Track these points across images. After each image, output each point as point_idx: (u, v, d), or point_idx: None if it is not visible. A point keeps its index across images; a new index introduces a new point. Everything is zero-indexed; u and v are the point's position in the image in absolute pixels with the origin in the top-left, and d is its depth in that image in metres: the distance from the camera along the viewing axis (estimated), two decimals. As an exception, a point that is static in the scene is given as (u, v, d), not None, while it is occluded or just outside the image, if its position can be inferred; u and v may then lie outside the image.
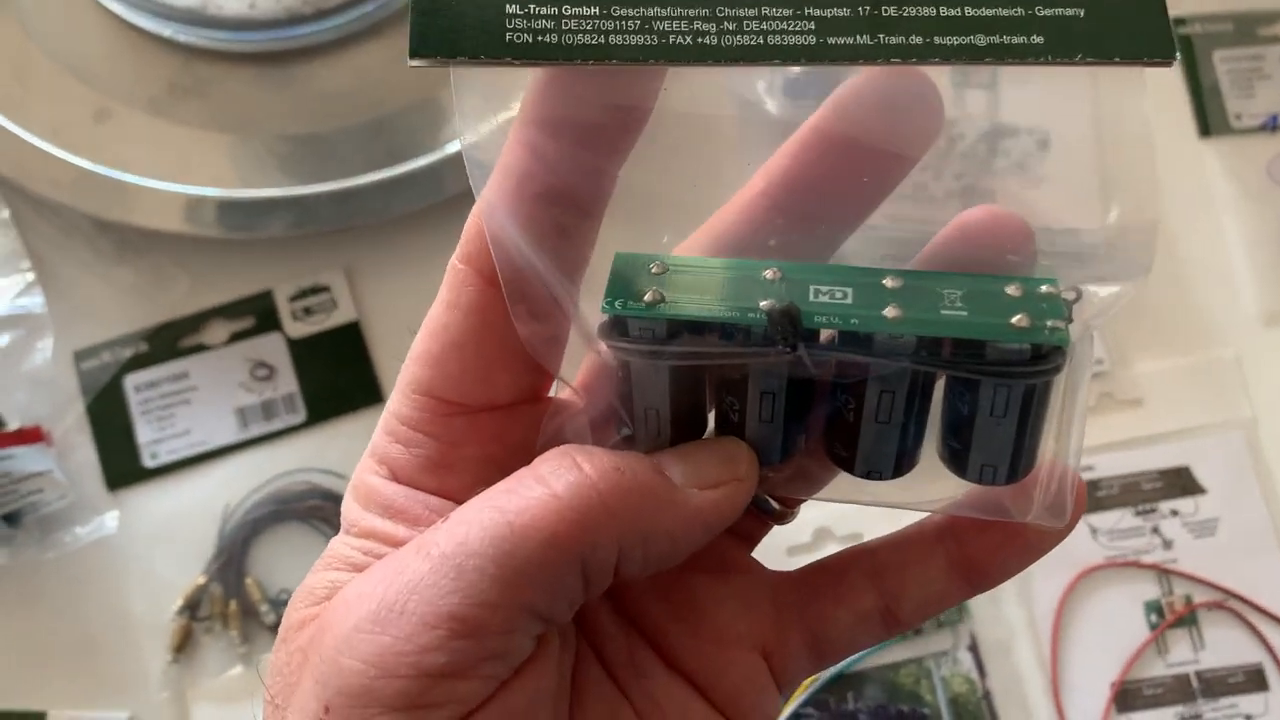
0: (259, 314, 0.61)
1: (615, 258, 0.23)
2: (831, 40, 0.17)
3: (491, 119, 0.21)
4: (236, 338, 0.60)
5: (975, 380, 0.22)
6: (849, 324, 0.22)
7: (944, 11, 0.17)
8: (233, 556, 0.57)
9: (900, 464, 0.25)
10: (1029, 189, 0.63)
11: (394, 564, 0.23)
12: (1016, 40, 0.17)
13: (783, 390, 0.23)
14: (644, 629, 0.27)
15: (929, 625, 0.57)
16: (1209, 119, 0.67)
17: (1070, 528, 0.25)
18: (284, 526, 0.58)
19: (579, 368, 0.26)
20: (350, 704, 0.22)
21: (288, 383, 0.60)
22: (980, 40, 0.17)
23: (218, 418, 0.59)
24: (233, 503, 0.58)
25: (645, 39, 0.18)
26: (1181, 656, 0.58)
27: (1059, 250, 0.63)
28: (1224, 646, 0.58)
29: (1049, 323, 0.22)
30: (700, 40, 0.18)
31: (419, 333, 0.26)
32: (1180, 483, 0.60)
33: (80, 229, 0.61)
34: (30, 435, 0.56)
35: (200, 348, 0.60)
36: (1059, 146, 0.63)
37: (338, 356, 0.60)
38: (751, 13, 0.17)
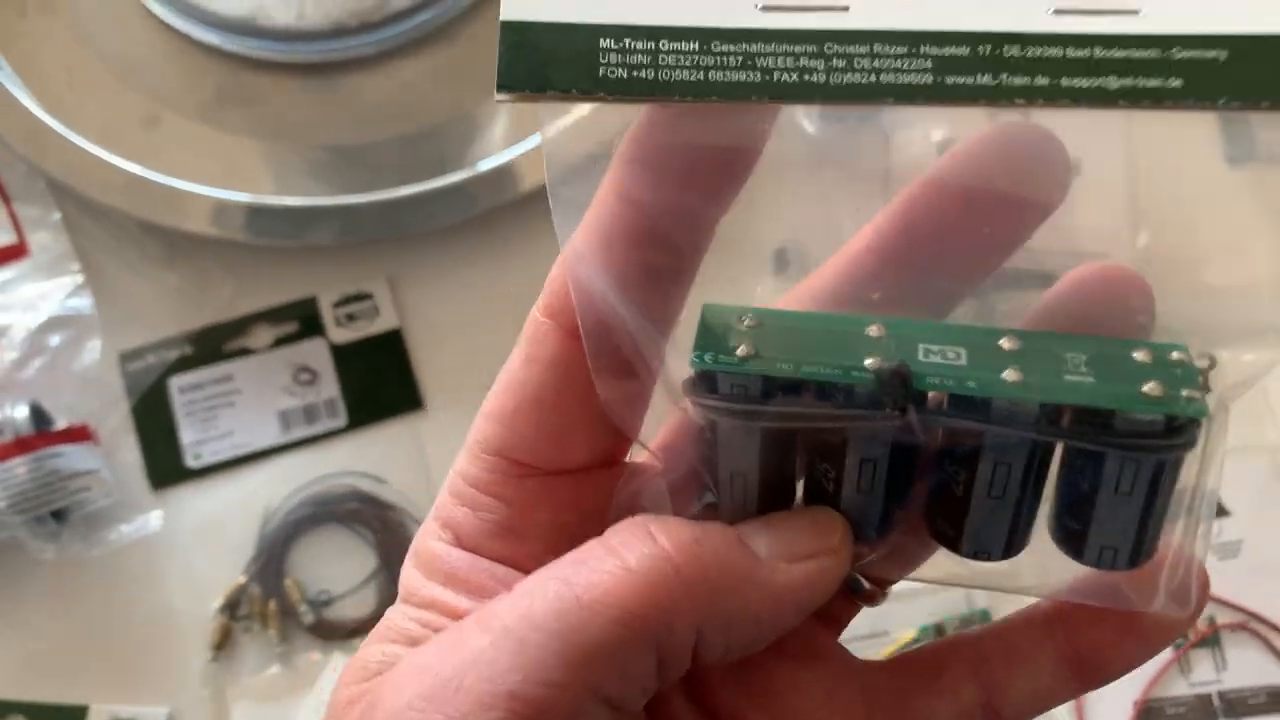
0: (302, 319, 0.60)
1: (704, 309, 0.21)
2: (950, 80, 0.16)
3: (579, 156, 0.20)
4: (280, 342, 0.60)
5: (1101, 454, 0.20)
6: (965, 387, 0.20)
7: (1071, 53, 0.16)
8: (272, 557, 0.56)
9: (1011, 544, 0.22)
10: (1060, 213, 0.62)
11: (453, 637, 0.21)
12: (1152, 83, 0.16)
13: (885, 458, 0.21)
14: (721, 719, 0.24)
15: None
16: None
17: (1194, 619, 0.22)
18: (323, 529, 0.57)
19: (659, 430, 0.24)
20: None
21: (329, 387, 0.59)
22: (1112, 83, 0.16)
23: (260, 420, 0.58)
24: (273, 504, 0.57)
25: (748, 75, 0.17)
26: (1204, 676, 0.57)
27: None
28: (1246, 668, 0.57)
29: (1184, 392, 0.20)
30: (807, 78, 0.17)
31: (493, 388, 0.23)
32: (1205, 504, 0.59)
33: (128, 232, 0.60)
34: (78, 434, 0.55)
35: (244, 351, 0.59)
36: (1089, 171, 0.62)
37: (379, 363, 0.59)
38: (863, 50, 0.16)
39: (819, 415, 0.20)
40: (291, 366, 0.59)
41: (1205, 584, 0.22)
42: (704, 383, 0.21)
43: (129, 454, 0.58)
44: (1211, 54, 0.16)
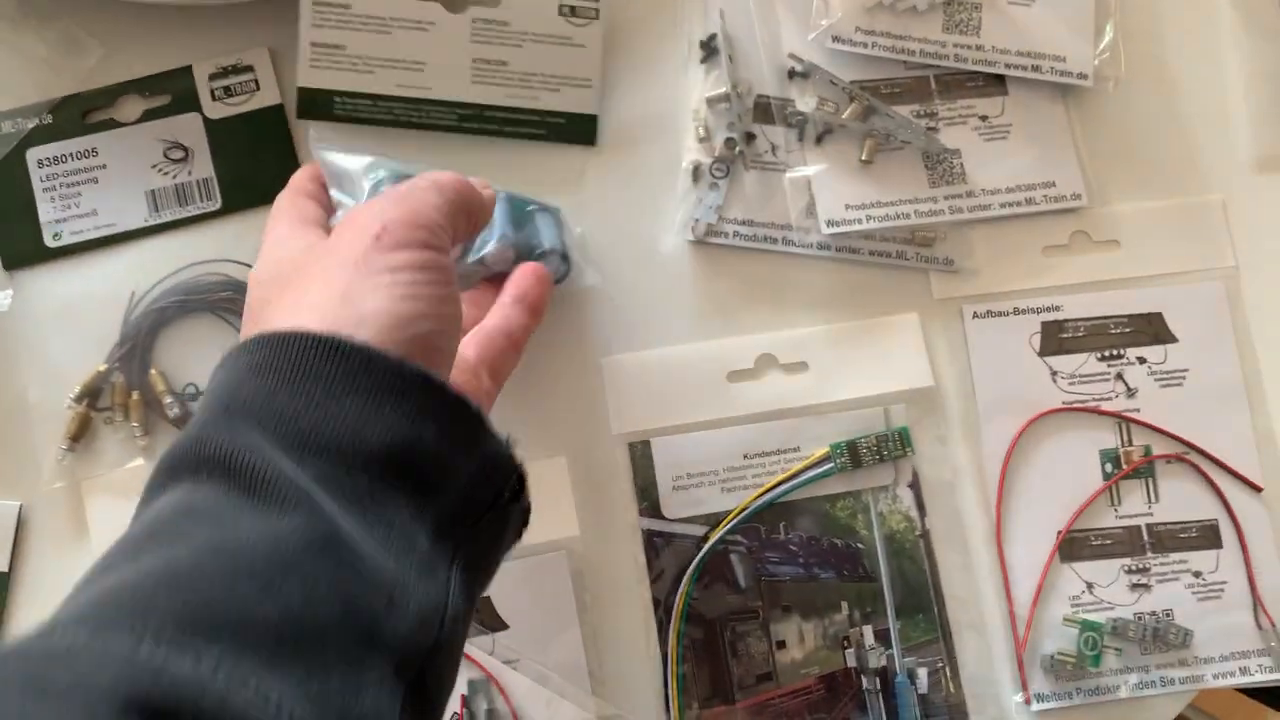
0: (176, 92, 0.53)
1: None
2: None
3: None
4: (150, 115, 0.53)
5: None
6: None
7: None
8: (136, 345, 0.51)
9: None
10: (1018, 7, 0.55)
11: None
12: None
13: None
14: None
15: (869, 459, 0.51)
16: (1222, -58, 0.58)
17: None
18: (193, 318, 0.52)
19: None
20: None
21: (204, 167, 0.53)
22: None
23: (127, 199, 0.52)
24: (139, 290, 0.51)
25: None
26: (1134, 509, 0.53)
27: (1045, 78, 0.55)
28: (1179, 501, 0.53)
29: None
30: None
31: None
32: (1151, 330, 0.54)
33: (-18, -12, 0.53)
34: (-82, 202, 0.49)
35: (111, 124, 0.53)
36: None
37: (258, 142, 0.53)
38: None
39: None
40: (162, 142, 0.53)
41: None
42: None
43: (-17, 227, 0.52)
44: None
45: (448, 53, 0.53)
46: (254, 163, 0.53)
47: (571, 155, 0.54)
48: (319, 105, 0.53)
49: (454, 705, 0.48)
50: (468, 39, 0.53)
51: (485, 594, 0.49)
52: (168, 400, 0.50)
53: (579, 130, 0.54)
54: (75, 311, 0.51)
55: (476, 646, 0.48)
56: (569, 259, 0.50)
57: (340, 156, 0.45)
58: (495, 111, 0.53)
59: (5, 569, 0.50)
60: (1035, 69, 0.55)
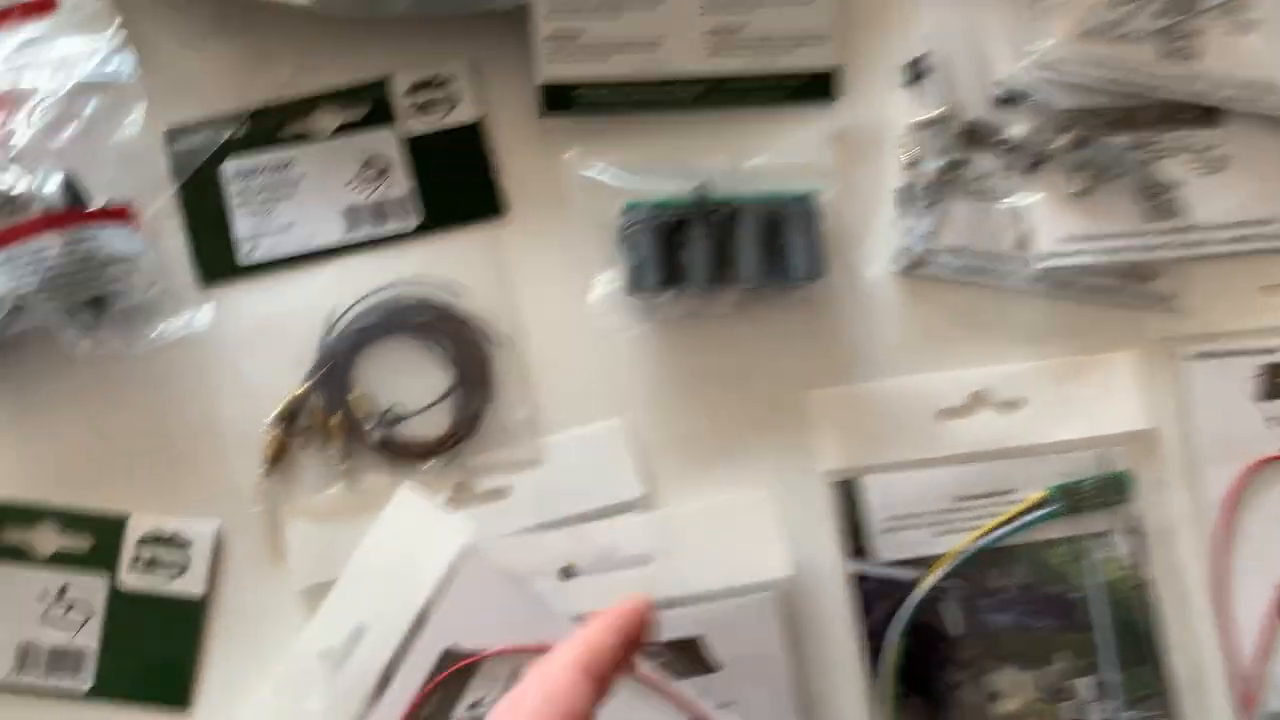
0: (372, 105, 0.51)
1: None
2: None
3: None
4: (346, 129, 0.51)
5: None
6: None
7: None
8: (335, 367, 0.49)
9: None
10: (1239, 35, 0.53)
11: None
12: None
13: None
14: None
15: (1089, 504, 0.49)
16: None
17: None
18: (393, 340, 0.50)
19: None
20: None
21: (401, 184, 0.51)
22: None
23: (323, 215, 0.51)
24: (338, 310, 0.50)
25: None
26: (1353, 561, 0.51)
27: (1267, 111, 0.52)
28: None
29: None
30: None
31: None
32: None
33: (175, -5, 0.51)
34: (117, 214, 0.47)
35: (305, 136, 0.51)
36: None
37: (457, 159, 0.51)
38: None
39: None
40: (359, 157, 0.51)
41: None
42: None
43: (174, 244, 0.50)
44: None
45: (682, 25, 0.51)
46: (453, 180, 0.51)
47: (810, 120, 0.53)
48: (560, 100, 0.51)
49: (666, 752, 0.46)
50: (699, 10, 0.51)
51: (697, 635, 0.47)
52: (369, 426, 0.48)
53: (817, 89, 0.53)
54: (270, 330, 0.50)
55: (693, 688, 0.46)
56: (816, 255, 0.48)
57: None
58: (735, 82, 0.52)
59: (203, 592, 0.48)
60: (1256, 101, 0.53)
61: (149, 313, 0.48)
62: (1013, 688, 0.48)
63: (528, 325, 0.50)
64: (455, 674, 0.47)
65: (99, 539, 0.48)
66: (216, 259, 0.50)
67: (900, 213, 0.52)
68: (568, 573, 0.48)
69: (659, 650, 0.47)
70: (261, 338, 0.50)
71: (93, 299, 0.47)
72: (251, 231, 0.50)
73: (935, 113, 0.53)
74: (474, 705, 0.47)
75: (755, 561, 0.48)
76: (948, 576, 0.49)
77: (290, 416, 0.49)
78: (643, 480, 0.49)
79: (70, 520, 0.48)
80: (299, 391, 0.49)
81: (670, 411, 0.50)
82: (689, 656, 0.47)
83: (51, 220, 0.46)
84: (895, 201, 0.53)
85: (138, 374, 0.49)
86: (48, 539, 0.48)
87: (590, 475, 0.49)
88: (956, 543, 0.49)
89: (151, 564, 0.48)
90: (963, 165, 0.53)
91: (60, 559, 0.48)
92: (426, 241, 0.51)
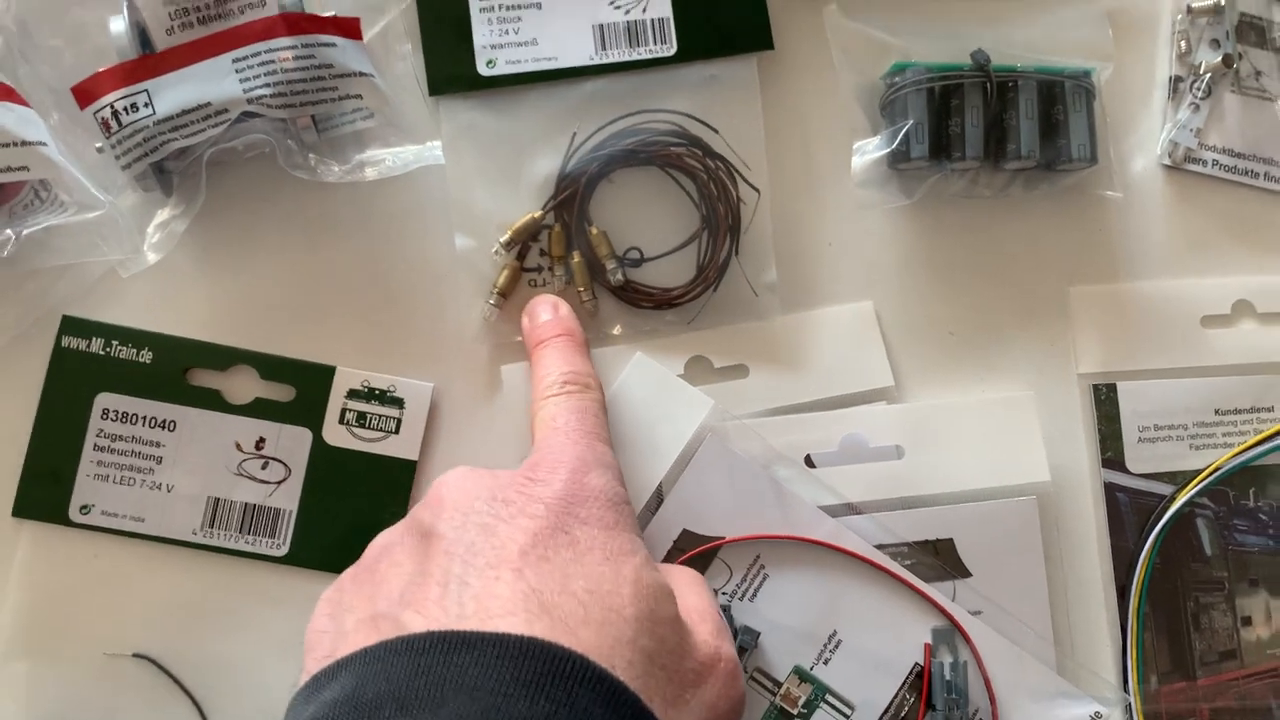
0: (621, -81, 0.45)
1: None
2: None
3: None
4: (595, -57, 0.45)
5: None
6: None
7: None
8: (576, 195, 0.44)
9: None
10: None
11: None
12: None
13: None
14: None
15: (1352, 429, 0.46)
16: None
17: None
18: (638, 172, 0.45)
19: None
20: None
21: (660, 5, 0.45)
22: None
23: (572, 32, 0.45)
24: (581, 133, 0.44)
25: None
26: None
27: None
28: None
29: None
30: None
31: None
32: None
33: None
34: (348, 27, 0.41)
35: (550, -52, 0.45)
36: None
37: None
38: None
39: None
40: (609, -23, 0.45)
41: None
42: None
43: (404, 67, 0.44)
44: None
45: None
46: (716, 6, 0.45)
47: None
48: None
49: (917, 654, 0.43)
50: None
51: (948, 537, 0.44)
52: (610, 265, 0.43)
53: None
54: (506, 152, 0.44)
55: (940, 592, 0.43)
56: (1094, 137, 0.45)
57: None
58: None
59: (415, 456, 0.43)
60: None
61: (376, 137, 0.43)
62: (1264, 613, 0.46)
63: (780, 183, 0.45)
64: (693, 558, 0.43)
65: (302, 390, 0.43)
66: (452, 68, 0.44)
67: (1171, 104, 0.48)
68: (811, 461, 0.44)
69: (907, 550, 0.43)
70: (495, 160, 0.44)
71: (318, 117, 0.41)
72: (492, 42, 0.44)
73: (1212, 1, 0.49)
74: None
75: (1014, 463, 0.45)
76: (1201, 493, 0.46)
77: (524, 242, 0.43)
78: (894, 369, 0.45)
79: (271, 367, 0.43)
80: (536, 214, 0.43)
81: (923, 297, 0.46)
82: (940, 558, 0.44)
83: (288, 22, 0.39)
84: (1167, 92, 0.48)
85: (356, 206, 0.44)
86: (245, 385, 0.43)
87: (838, 359, 0.45)
88: (1213, 458, 0.46)
89: (361, 420, 0.43)
90: (1238, 60, 0.49)
91: (259, 409, 0.43)
92: (681, 71, 0.45)
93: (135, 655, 0.42)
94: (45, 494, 0.42)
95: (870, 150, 0.45)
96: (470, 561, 0.31)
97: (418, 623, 0.29)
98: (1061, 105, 0.45)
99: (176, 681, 0.41)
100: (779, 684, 0.42)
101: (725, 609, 0.42)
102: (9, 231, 0.39)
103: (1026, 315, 0.47)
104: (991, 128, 0.45)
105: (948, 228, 0.47)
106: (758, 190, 0.45)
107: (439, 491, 0.35)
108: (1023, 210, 0.47)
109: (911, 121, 0.44)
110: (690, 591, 0.36)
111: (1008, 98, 0.45)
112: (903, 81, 0.45)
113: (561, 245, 0.44)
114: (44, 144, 0.39)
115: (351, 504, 0.43)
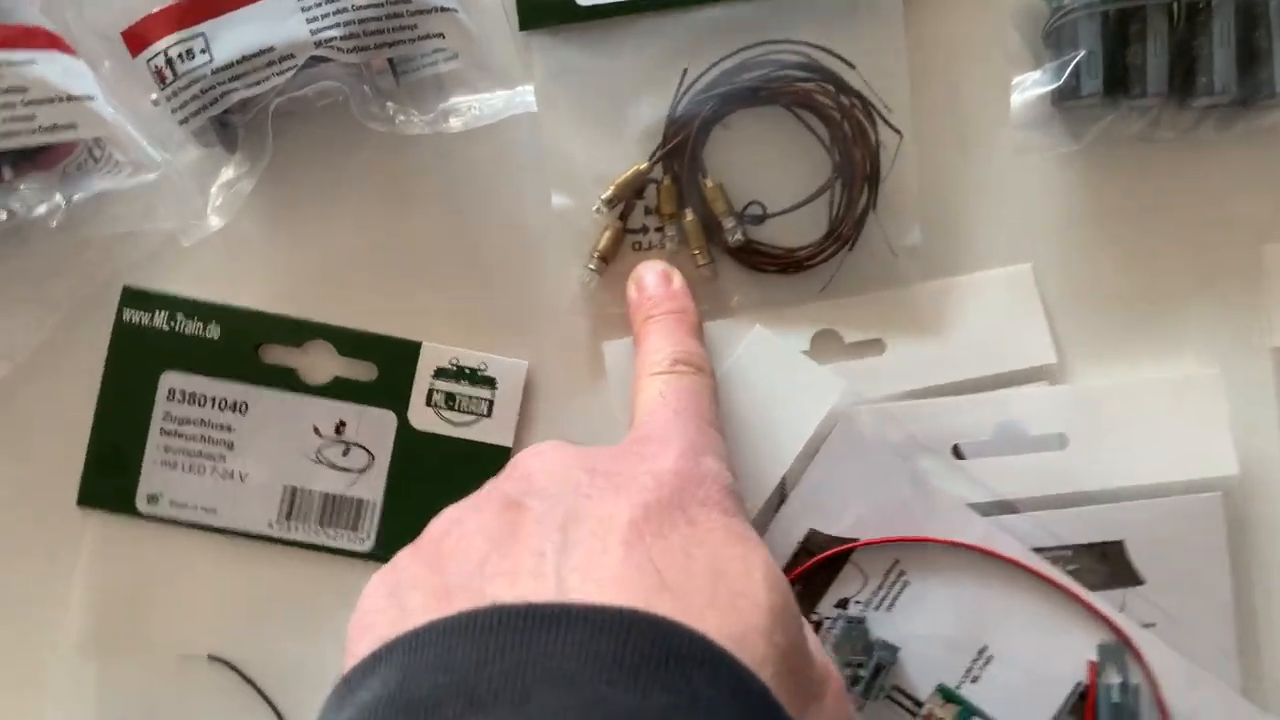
0: None
1: None
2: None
3: None
4: None
5: None
6: None
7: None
8: (686, 142, 0.38)
9: None
10: None
11: None
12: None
13: None
14: None
15: None
16: None
17: None
18: (760, 114, 0.39)
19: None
20: None
21: (784, -77, 0.39)
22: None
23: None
24: (692, 71, 0.38)
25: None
26: None
27: None
28: None
29: None
30: None
31: None
32: None
33: None
34: (427, -48, 0.36)
35: None
36: None
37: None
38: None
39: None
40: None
41: None
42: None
43: (492, 3, 0.38)
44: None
45: None
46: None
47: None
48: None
49: (1079, 673, 0.37)
50: None
51: (1118, 539, 0.38)
52: (728, 223, 0.38)
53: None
54: (604, 97, 0.38)
55: (1107, 602, 0.37)
56: None
57: None
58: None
59: (510, 442, 0.39)
60: None
61: (460, 82, 0.37)
62: None
63: (925, 125, 0.39)
64: (821, 563, 0.38)
65: (385, 368, 0.39)
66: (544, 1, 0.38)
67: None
68: (959, 451, 0.39)
69: (1071, 554, 0.38)
70: (590, 104, 0.38)
71: (396, 61, 0.36)
72: (590, -28, 0.38)
73: None
74: (841, 603, 0.38)
75: (1197, 454, 0.38)
76: None
77: (625, 205, 0.38)
78: (1056, 344, 0.39)
79: (350, 342, 0.39)
80: (642, 166, 0.38)
81: (1091, 259, 0.40)
82: (1108, 564, 0.38)
83: (358, -52, 0.34)
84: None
85: (439, 160, 0.39)
86: (322, 363, 0.39)
87: (991, 332, 0.39)
88: None
89: (450, 402, 0.39)
90: None
91: (337, 389, 0.39)
92: None
93: (211, 658, 0.38)
94: (111, 482, 0.38)
95: (1031, 86, 0.39)
96: (571, 531, 0.25)
97: (506, 594, 0.24)
98: (1265, 29, 0.38)
99: (254, 686, 0.38)
100: (920, 704, 0.37)
101: (859, 621, 0.37)
102: (59, 198, 0.35)
103: (1213, 279, 0.40)
104: (1178, 58, 0.38)
105: (1122, 176, 0.40)
106: (900, 133, 0.38)
107: (525, 463, 0.29)
108: (1212, 156, 0.40)
109: (1082, 52, 0.38)
110: None
111: (1198, 21, 0.38)
112: (1071, 4, 0.38)
113: (671, 201, 0.38)
114: (93, 98, 0.34)
115: (441, 494, 0.38)
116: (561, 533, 0.25)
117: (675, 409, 0.32)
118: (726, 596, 0.24)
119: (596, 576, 0.24)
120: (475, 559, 0.25)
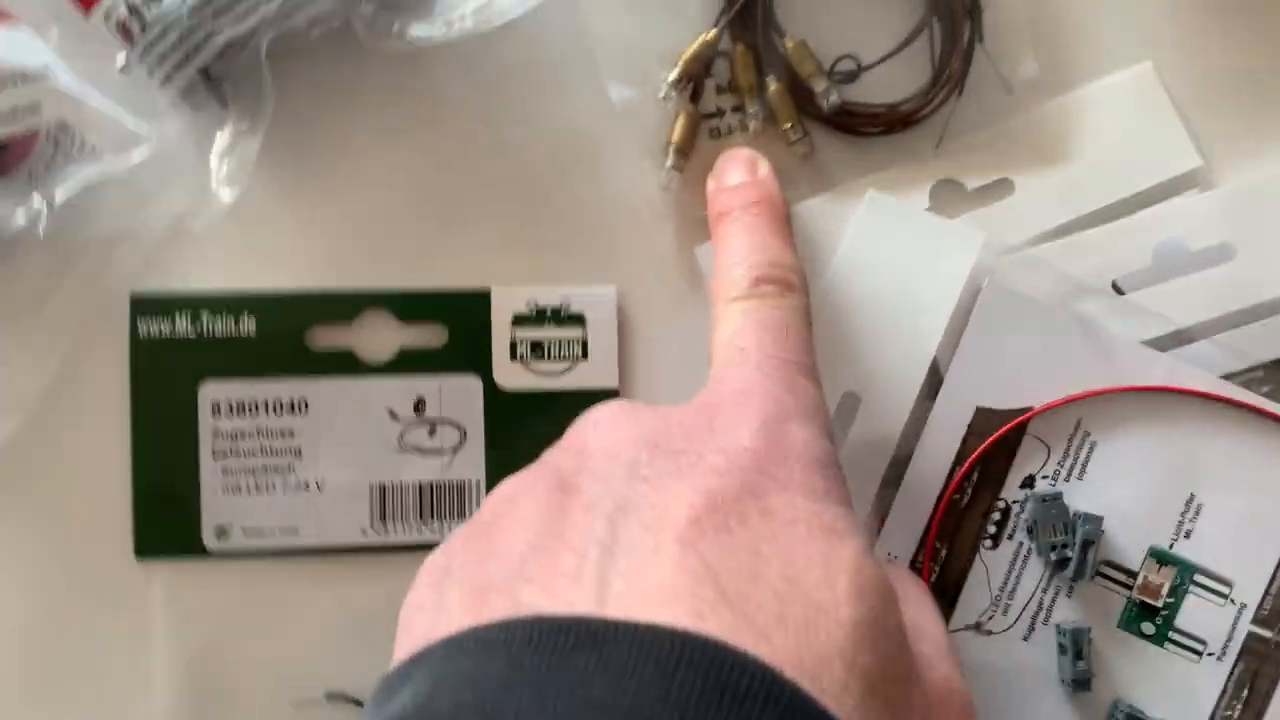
0: None
1: None
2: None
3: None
4: None
5: None
6: None
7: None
8: (755, 2, 0.33)
9: None
10: None
11: None
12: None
13: None
14: None
15: None
16: None
17: None
18: None
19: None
20: None
21: None
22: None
23: None
24: None
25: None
26: None
27: None
28: None
29: None
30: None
31: None
32: None
33: None
34: None
35: None
36: None
37: None
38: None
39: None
40: None
41: None
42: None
43: None
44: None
45: None
46: None
47: None
48: None
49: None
50: None
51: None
52: (819, 85, 0.32)
53: None
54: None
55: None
56: None
57: None
58: None
59: (616, 383, 0.33)
60: None
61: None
62: None
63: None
64: (996, 442, 0.33)
65: (455, 327, 0.33)
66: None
67: None
68: (1118, 287, 0.34)
69: (1263, 373, 0.33)
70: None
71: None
72: None
73: None
74: (1027, 481, 0.33)
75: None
76: None
77: (697, 84, 0.33)
78: (1197, 145, 0.35)
79: (409, 305, 0.33)
80: (709, 35, 0.32)
81: (1218, 41, 0.35)
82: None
83: None
84: None
85: (469, 71, 0.33)
86: (382, 336, 0.33)
87: (1123, 145, 0.34)
88: None
89: (537, 351, 0.33)
90: None
91: (406, 362, 0.33)
92: None
93: (328, 696, 0.33)
94: (169, 524, 0.33)
95: None
96: (620, 525, 0.22)
97: (541, 602, 0.21)
98: None
99: (386, 717, 0.33)
100: (1134, 574, 0.33)
101: (1055, 497, 0.33)
102: (38, 202, 0.29)
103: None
104: None
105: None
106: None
107: (583, 433, 0.25)
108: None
109: None
110: (913, 600, 0.27)
111: None
112: None
113: (750, 72, 0.33)
114: (51, 70, 0.28)
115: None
116: (609, 526, 0.22)
117: (756, 361, 0.26)
118: (800, 610, 0.21)
119: (643, 585, 0.20)
120: (518, 553, 0.23)
